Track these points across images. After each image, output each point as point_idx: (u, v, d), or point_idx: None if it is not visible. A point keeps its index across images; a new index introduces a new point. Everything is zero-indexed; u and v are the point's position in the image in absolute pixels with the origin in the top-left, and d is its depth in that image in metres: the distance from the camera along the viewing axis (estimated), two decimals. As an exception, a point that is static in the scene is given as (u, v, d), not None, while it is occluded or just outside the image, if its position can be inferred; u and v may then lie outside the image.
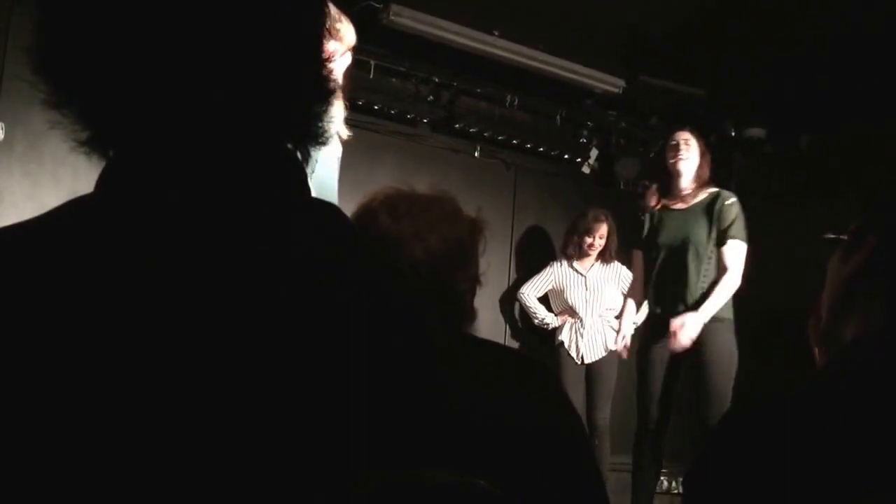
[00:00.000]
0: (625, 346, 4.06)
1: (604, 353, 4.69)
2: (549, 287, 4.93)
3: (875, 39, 4.26)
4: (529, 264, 5.23)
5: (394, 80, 4.68)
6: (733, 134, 5.48)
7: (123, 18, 0.57)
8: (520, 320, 5.19)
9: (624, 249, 4.89)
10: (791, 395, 0.85)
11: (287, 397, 0.52)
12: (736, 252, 3.61)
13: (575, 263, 4.87)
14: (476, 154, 5.18)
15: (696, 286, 3.60)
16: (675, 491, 5.05)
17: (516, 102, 5.07)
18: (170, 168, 0.59)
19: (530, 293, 4.95)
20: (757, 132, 5.43)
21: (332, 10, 2.63)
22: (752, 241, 5.45)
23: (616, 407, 4.72)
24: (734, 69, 4.78)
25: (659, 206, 3.82)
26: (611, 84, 5.01)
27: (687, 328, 3.49)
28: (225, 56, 0.58)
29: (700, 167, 3.75)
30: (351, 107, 4.54)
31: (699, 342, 3.53)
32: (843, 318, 0.94)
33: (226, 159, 0.60)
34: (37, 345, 0.51)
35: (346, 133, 2.71)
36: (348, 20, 2.70)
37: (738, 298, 5.58)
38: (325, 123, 0.66)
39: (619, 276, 4.85)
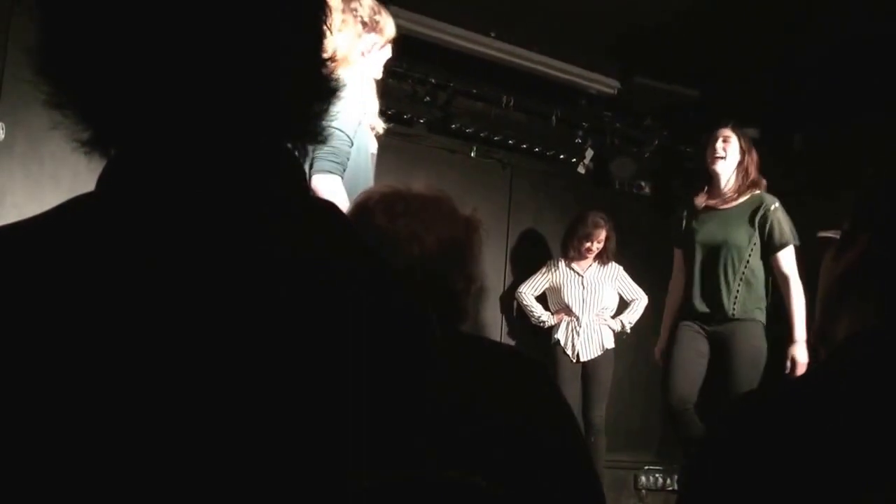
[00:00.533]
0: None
1: (600, 352, 4.71)
2: (547, 286, 4.95)
3: (869, 39, 4.27)
4: (525, 263, 5.24)
5: (391, 80, 4.68)
6: (727, 134, 5.49)
7: (124, 18, 0.57)
8: (516, 319, 5.20)
9: (622, 249, 4.92)
10: (785, 393, 0.86)
11: (286, 397, 0.52)
12: (790, 257, 3.54)
13: (573, 263, 4.89)
14: (472, 154, 5.19)
15: (731, 289, 3.51)
16: (671, 488, 5.09)
17: (512, 103, 5.08)
18: (170, 167, 0.59)
19: (528, 292, 4.96)
20: (750, 132, 5.44)
21: (371, 2, 2.63)
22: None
23: (611, 405, 4.75)
24: (728, 69, 4.80)
25: (701, 206, 3.69)
26: (606, 85, 5.04)
27: (798, 361, 3.43)
28: (225, 55, 0.58)
29: (741, 166, 3.60)
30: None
31: (730, 341, 3.49)
32: (837, 317, 0.94)
33: (225, 158, 0.60)
34: (35, 343, 0.51)
35: (381, 126, 2.68)
36: (387, 12, 2.68)
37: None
38: (325, 122, 0.66)
39: (615, 276, 4.89)
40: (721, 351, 3.51)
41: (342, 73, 2.49)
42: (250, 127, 0.61)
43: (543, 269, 4.98)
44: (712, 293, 3.54)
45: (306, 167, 2.37)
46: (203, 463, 0.50)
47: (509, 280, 5.26)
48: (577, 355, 4.71)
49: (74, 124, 0.60)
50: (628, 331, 4.83)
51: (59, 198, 0.59)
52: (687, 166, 5.53)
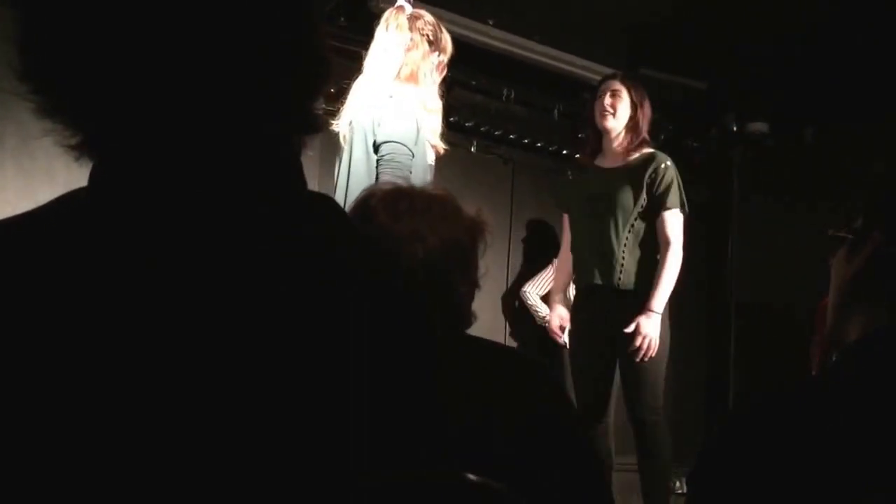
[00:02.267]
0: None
1: (606, 353, 4.64)
2: (552, 284, 4.87)
3: (879, 32, 4.21)
4: (528, 261, 5.18)
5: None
6: (735, 128, 5.43)
7: (108, 23, 0.56)
8: (520, 319, 5.13)
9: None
10: (796, 394, 0.85)
11: (287, 395, 0.52)
12: (675, 222, 3.16)
13: (577, 262, 4.81)
14: (473, 149, 5.12)
15: (615, 257, 3.14)
16: (679, 491, 5.00)
17: (513, 96, 5.01)
18: (163, 163, 0.59)
19: (533, 291, 4.91)
20: (759, 126, 5.38)
21: (433, 20, 2.72)
22: (751, 236, 5.41)
23: (619, 407, 4.66)
24: (736, 62, 4.74)
25: (585, 164, 3.33)
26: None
27: (643, 332, 3.06)
28: (216, 47, 0.58)
29: (632, 122, 3.22)
30: (341, 96, 4.49)
31: (618, 322, 3.12)
32: (849, 317, 0.94)
33: (221, 154, 0.60)
34: (30, 340, 0.51)
35: (441, 146, 2.76)
36: (445, 29, 2.79)
37: (740, 295, 5.58)
38: (317, 113, 0.66)
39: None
40: (622, 336, 3.13)
41: (408, 89, 2.66)
42: (244, 120, 0.61)
43: (548, 268, 4.91)
44: (594, 263, 3.18)
45: (371, 179, 2.55)
46: (203, 460, 0.50)
47: (512, 280, 5.20)
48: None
49: (63, 130, 0.61)
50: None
51: (53, 192, 0.59)
52: (694, 160, 5.45)
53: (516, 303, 5.08)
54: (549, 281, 4.87)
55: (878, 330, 0.88)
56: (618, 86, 3.25)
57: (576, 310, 3.39)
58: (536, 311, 4.87)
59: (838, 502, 0.73)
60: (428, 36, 2.74)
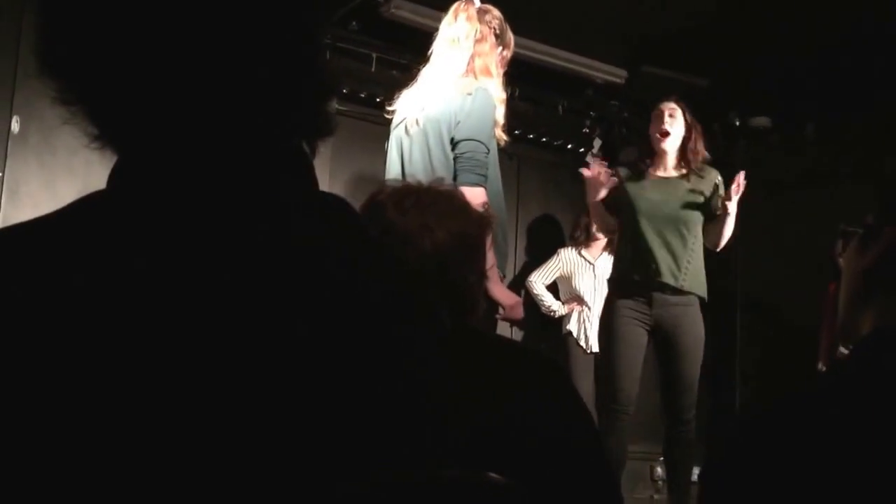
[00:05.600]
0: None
1: (612, 343, 4.68)
2: (558, 274, 4.92)
3: (882, 26, 4.22)
4: (533, 254, 5.21)
5: (395, 72, 4.65)
6: (738, 123, 5.45)
7: (127, 15, 0.57)
8: (525, 309, 5.16)
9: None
10: (811, 389, 0.86)
11: (296, 394, 0.52)
12: None
13: (583, 251, 4.85)
14: (479, 145, 5.16)
15: (681, 260, 3.38)
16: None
17: (517, 93, 5.05)
18: (180, 164, 0.59)
19: (538, 281, 4.93)
20: (762, 121, 5.40)
21: (500, 16, 2.77)
22: (756, 230, 5.43)
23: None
24: (738, 58, 4.75)
25: (647, 175, 3.52)
26: (613, 74, 4.99)
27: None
28: (231, 52, 0.58)
29: (687, 141, 3.48)
30: (353, 99, 4.55)
31: (672, 320, 3.36)
32: (861, 312, 0.94)
33: (235, 154, 0.60)
34: (50, 342, 0.51)
35: (504, 139, 2.77)
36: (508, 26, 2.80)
37: (744, 287, 5.60)
38: (330, 115, 0.66)
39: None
40: (666, 335, 3.38)
41: (487, 84, 2.66)
42: (259, 122, 0.61)
43: (554, 258, 4.95)
44: (663, 260, 3.39)
45: (447, 173, 2.52)
46: (216, 458, 0.51)
47: (517, 271, 5.22)
48: (590, 346, 4.67)
49: (83, 121, 0.61)
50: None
51: (73, 188, 0.61)
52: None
53: (521, 293, 5.13)
54: (553, 271, 4.93)
55: (891, 323, 0.88)
56: (673, 105, 3.51)
57: (626, 298, 3.47)
58: (542, 301, 4.89)
59: (856, 498, 0.73)
60: (495, 30, 2.76)
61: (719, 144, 5.60)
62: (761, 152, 5.55)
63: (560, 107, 5.25)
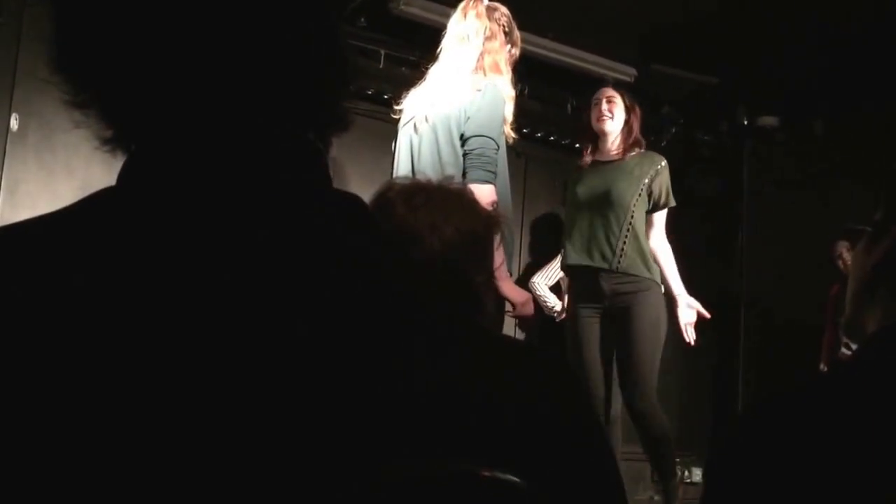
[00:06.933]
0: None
1: (615, 343, 4.68)
2: (560, 275, 4.91)
3: (890, 25, 4.21)
4: (539, 253, 5.20)
5: (404, 69, 4.65)
6: (745, 122, 5.45)
7: (140, 13, 0.57)
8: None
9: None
10: (814, 388, 0.85)
11: (303, 390, 0.52)
12: (664, 219, 3.56)
13: (586, 251, 4.85)
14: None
15: (617, 243, 3.42)
16: (688, 480, 5.06)
17: (526, 91, 5.05)
18: (191, 162, 0.59)
19: (541, 281, 4.93)
20: (769, 120, 5.40)
21: (508, 13, 2.76)
22: (764, 229, 5.42)
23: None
24: (746, 56, 4.75)
25: (587, 163, 3.64)
26: (622, 72, 4.98)
27: (691, 308, 3.43)
28: (244, 45, 0.58)
29: (627, 125, 3.56)
30: (361, 96, 4.55)
31: (621, 305, 3.40)
32: (868, 309, 0.94)
33: (248, 151, 0.60)
34: (49, 342, 0.51)
35: (511, 136, 2.78)
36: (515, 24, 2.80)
37: (750, 286, 5.59)
38: (344, 110, 0.66)
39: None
40: (616, 320, 3.43)
41: (497, 81, 2.65)
42: (272, 119, 0.61)
43: (557, 258, 4.94)
44: (599, 246, 3.46)
45: (457, 170, 2.52)
46: (211, 459, 0.50)
47: (522, 270, 5.22)
48: (593, 346, 4.68)
49: (96, 123, 0.60)
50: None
51: (73, 187, 0.61)
52: (704, 154, 5.47)
53: (526, 292, 5.15)
54: (557, 271, 4.92)
55: None
56: (612, 92, 3.60)
57: (575, 296, 3.62)
58: (545, 302, 4.89)
59: (859, 498, 0.72)
60: (504, 27, 2.77)
61: (726, 143, 5.61)
62: (769, 151, 5.55)
63: (568, 105, 5.25)
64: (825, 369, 4.70)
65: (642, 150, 3.58)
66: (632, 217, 3.44)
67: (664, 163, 3.53)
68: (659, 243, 3.54)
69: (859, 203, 0.99)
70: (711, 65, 4.93)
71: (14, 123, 3.80)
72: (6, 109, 3.77)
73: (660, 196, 3.50)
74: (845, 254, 4.57)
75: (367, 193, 1.40)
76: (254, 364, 0.52)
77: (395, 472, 0.52)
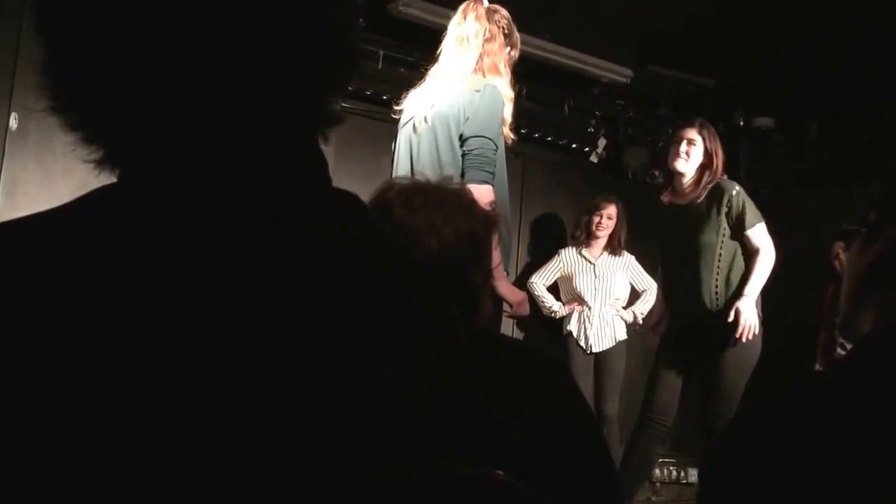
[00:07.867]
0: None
1: (612, 343, 4.69)
2: (558, 275, 4.93)
3: (885, 28, 4.23)
4: (537, 254, 5.21)
5: (402, 70, 4.66)
6: (741, 123, 5.46)
7: (129, 28, 0.56)
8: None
9: (633, 239, 4.89)
10: (810, 386, 0.86)
11: (302, 391, 0.52)
12: (760, 233, 3.46)
13: (584, 251, 4.86)
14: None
15: (709, 285, 3.44)
16: (685, 481, 5.07)
17: (524, 92, 5.06)
18: (191, 161, 0.59)
19: (539, 282, 4.94)
20: (765, 121, 5.41)
21: (508, 16, 2.77)
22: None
23: (624, 397, 4.73)
24: (743, 58, 4.76)
25: (666, 201, 3.61)
26: (619, 73, 5.00)
27: (744, 318, 3.34)
28: (246, 46, 0.57)
29: (703, 166, 3.47)
30: (359, 97, 4.56)
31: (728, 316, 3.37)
32: (862, 309, 0.94)
33: (246, 151, 0.59)
34: (48, 341, 0.51)
35: (511, 137, 2.80)
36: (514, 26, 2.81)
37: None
38: (338, 106, 0.66)
39: (627, 265, 4.85)
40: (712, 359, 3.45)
41: (496, 82, 2.66)
42: (272, 118, 0.60)
43: (554, 258, 4.95)
44: (689, 295, 3.48)
45: (455, 171, 2.53)
46: (211, 458, 0.50)
47: (521, 270, 5.23)
48: (590, 346, 4.69)
49: (87, 146, 0.61)
50: (640, 321, 4.80)
51: (72, 187, 0.60)
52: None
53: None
54: (554, 272, 4.94)
55: (891, 321, 0.88)
56: (694, 135, 3.49)
57: (670, 338, 3.63)
58: (543, 302, 4.90)
59: (855, 496, 0.73)
60: (503, 29, 2.78)
61: (723, 145, 5.62)
62: (764, 152, 5.57)
63: (566, 106, 5.26)
64: (821, 369, 4.71)
65: (712, 183, 3.48)
66: (719, 256, 3.44)
67: (735, 190, 3.43)
68: (753, 256, 3.47)
69: (855, 204, 0.99)
70: (708, 66, 4.94)
71: (13, 123, 3.80)
72: (5, 109, 3.77)
73: (741, 223, 3.42)
74: (841, 254, 4.58)
75: (366, 193, 1.40)
76: (253, 364, 0.52)
77: (396, 472, 0.52)
